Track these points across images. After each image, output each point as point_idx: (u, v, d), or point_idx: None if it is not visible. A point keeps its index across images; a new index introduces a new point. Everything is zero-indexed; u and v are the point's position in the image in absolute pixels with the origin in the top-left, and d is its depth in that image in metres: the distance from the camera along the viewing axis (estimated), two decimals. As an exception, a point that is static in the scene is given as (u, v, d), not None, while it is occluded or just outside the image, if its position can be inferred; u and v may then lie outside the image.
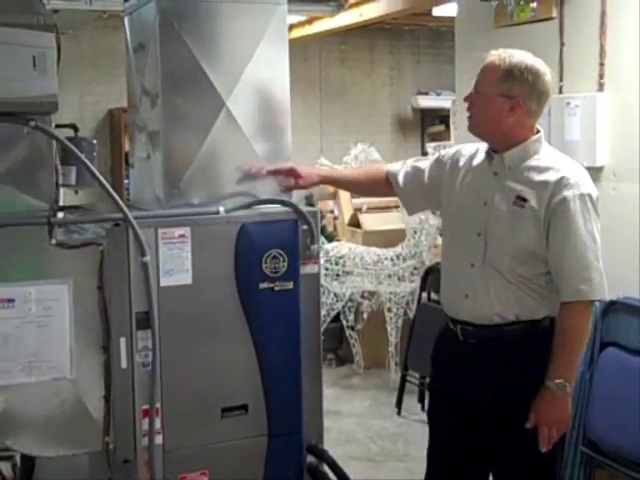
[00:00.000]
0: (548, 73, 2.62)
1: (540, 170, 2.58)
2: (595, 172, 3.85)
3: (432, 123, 10.57)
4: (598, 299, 2.56)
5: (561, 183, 2.52)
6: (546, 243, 2.54)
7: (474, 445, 2.71)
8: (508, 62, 2.58)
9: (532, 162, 2.61)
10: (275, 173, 2.71)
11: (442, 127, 10.04)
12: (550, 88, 2.64)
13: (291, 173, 2.75)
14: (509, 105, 2.57)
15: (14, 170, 2.35)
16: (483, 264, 2.62)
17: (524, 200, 2.55)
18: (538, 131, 2.68)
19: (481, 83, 2.62)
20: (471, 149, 2.80)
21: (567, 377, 2.52)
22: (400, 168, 2.96)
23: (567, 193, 2.51)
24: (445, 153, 2.89)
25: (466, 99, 2.67)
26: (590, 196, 2.55)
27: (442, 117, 9.89)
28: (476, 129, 2.69)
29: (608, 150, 3.87)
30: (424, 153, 8.49)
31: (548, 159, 2.63)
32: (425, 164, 2.92)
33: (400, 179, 2.94)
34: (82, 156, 2.40)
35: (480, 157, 2.73)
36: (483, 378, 2.63)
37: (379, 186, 3.03)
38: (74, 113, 7.61)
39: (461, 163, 2.79)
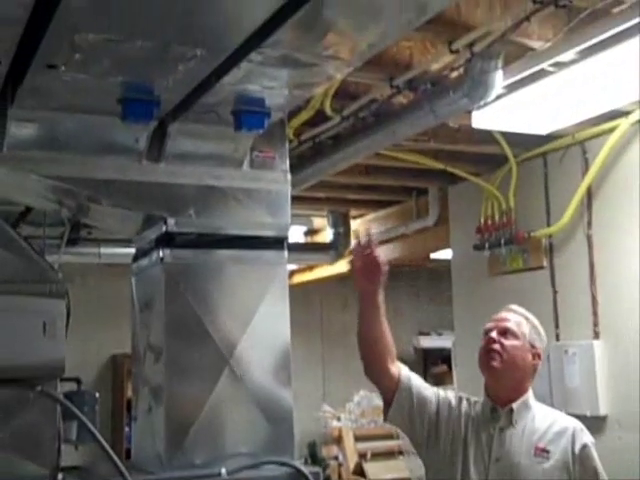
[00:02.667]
0: None
1: (549, 421, 2.66)
2: (599, 421, 3.84)
3: (434, 363, 10.58)
4: None
5: (576, 431, 2.63)
6: None
7: None
8: (533, 319, 2.76)
9: (534, 414, 2.67)
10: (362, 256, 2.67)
11: (445, 367, 10.02)
12: None
13: (375, 266, 2.68)
14: (532, 354, 2.69)
15: (17, 436, 2.34)
16: None
17: (546, 451, 2.59)
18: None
19: (513, 326, 2.71)
20: (470, 400, 2.80)
21: None
22: (416, 377, 2.86)
23: (586, 440, 2.62)
24: (447, 396, 2.83)
25: (492, 337, 2.68)
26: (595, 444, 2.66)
27: (444, 357, 9.90)
28: (499, 366, 2.66)
29: (610, 398, 3.87)
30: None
31: (545, 411, 2.72)
32: (432, 394, 2.81)
33: (408, 380, 2.81)
34: (85, 420, 2.40)
35: (474, 412, 2.73)
36: None
37: (385, 361, 2.83)
38: (76, 358, 7.57)
39: (463, 418, 2.76)
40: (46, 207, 3.08)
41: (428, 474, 2.82)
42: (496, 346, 2.67)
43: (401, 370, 2.83)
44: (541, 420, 2.67)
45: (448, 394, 2.83)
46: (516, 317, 2.74)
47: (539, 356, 2.71)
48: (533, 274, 4.61)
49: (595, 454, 2.62)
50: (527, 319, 2.75)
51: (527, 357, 2.68)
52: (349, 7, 1.98)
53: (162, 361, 2.71)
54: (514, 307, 2.80)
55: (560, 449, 2.60)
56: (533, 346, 2.70)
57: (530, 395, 2.71)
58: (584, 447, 2.61)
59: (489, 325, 2.73)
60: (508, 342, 2.67)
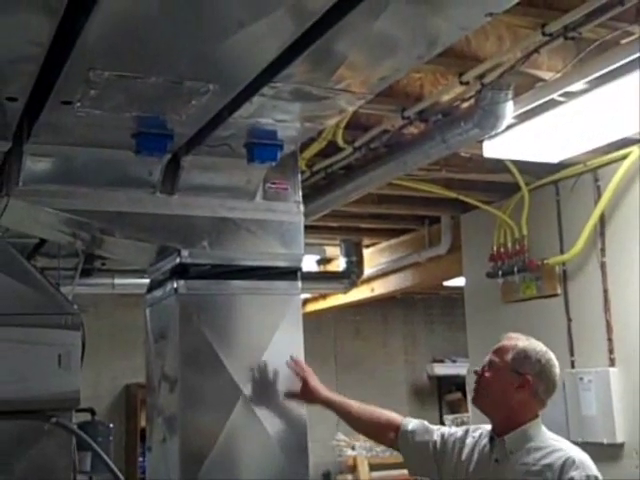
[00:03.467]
0: (558, 367, 2.66)
1: (543, 453, 2.55)
2: (616, 449, 3.80)
3: (449, 390, 10.53)
4: None
5: (567, 464, 2.48)
6: None
7: None
8: (524, 343, 2.64)
9: (533, 445, 2.58)
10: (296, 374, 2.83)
11: (459, 395, 9.98)
12: (557, 381, 2.66)
13: (303, 381, 2.83)
14: (518, 382, 2.58)
15: (32, 467, 2.34)
16: None
17: None
18: (537, 415, 2.66)
19: (495, 357, 2.65)
20: (478, 431, 2.78)
21: None
22: (415, 425, 2.87)
23: (574, 475, 2.45)
24: (455, 431, 2.84)
25: (476, 372, 2.69)
26: (597, 478, 2.49)
27: (459, 384, 9.86)
28: (481, 401, 2.68)
29: (627, 426, 3.84)
30: (442, 423, 8.38)
31: (549, 441, 2.60)
32: (437, 435, 2.83)
33: (405, 433, 2.83)
34: (100, 450, 2.42)
35: (483, 442, 2.72)
36: None
37: (381, 433, 2.90)
38: (90, 389, 7.63)
39: (467, 449, 2.75)
40: (60, 239, 3.11)
41: None
42: (476, 381, 2.68)
43: (400, 427, 2.84)
44: (537, 451, 2.55)
45: (457, 429, 2.84)
46: (508, 344, 2.66)
47: (529, 382, 2.56)
48: (547, 302, 4.60)
49: None
50: (517, 344, 2.63)
51: (509, 386, 2.58)
52: (361, 42, 2.01)
53: (176, 391, 2.73)
54: (510, 334, 2.75)
55: None
56: (518, 372, 2.57)
57: (533, 425, 2.60)
58: None
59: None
60: (488, 375, 2.64)
